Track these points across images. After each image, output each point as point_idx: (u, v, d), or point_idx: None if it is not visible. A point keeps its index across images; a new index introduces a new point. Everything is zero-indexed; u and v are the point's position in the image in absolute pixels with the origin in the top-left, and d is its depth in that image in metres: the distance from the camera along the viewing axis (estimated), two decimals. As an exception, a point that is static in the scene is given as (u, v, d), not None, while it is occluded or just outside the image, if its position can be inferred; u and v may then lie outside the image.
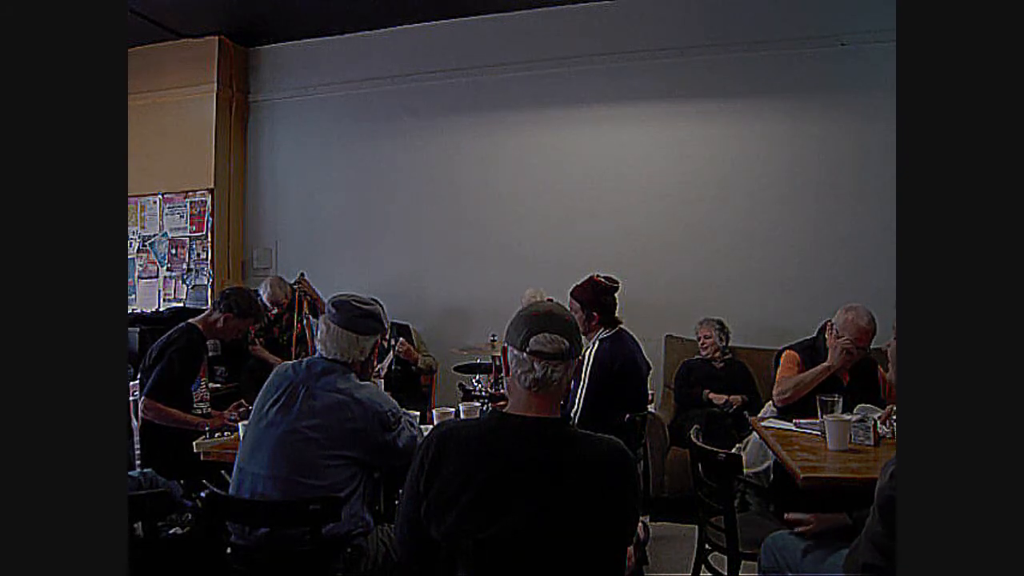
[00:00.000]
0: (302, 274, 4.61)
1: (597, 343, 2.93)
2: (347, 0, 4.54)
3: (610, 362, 2.86)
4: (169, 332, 3.03)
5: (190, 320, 3.08)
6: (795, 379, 2.76)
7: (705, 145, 4.43)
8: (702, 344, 4.05)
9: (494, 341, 3.35)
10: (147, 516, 1.98)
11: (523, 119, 4.72)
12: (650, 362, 3.17)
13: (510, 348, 1.42)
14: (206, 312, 3.13)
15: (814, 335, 2.98)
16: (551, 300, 1.76)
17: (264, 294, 4.34)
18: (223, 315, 3.03)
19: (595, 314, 2.95)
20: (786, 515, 2.08)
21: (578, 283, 3.05)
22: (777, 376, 2.88)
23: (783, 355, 2.94)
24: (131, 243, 5.23)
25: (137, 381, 3.05)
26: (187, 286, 5.14)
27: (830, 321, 2.83)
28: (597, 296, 2.96)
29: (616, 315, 3.02)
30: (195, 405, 2.98)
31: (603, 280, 3.00)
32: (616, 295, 3.02)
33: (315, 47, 5.12)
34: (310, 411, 1.94)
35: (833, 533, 1.97)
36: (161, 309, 5.04)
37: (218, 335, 3.14)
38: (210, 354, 3.22)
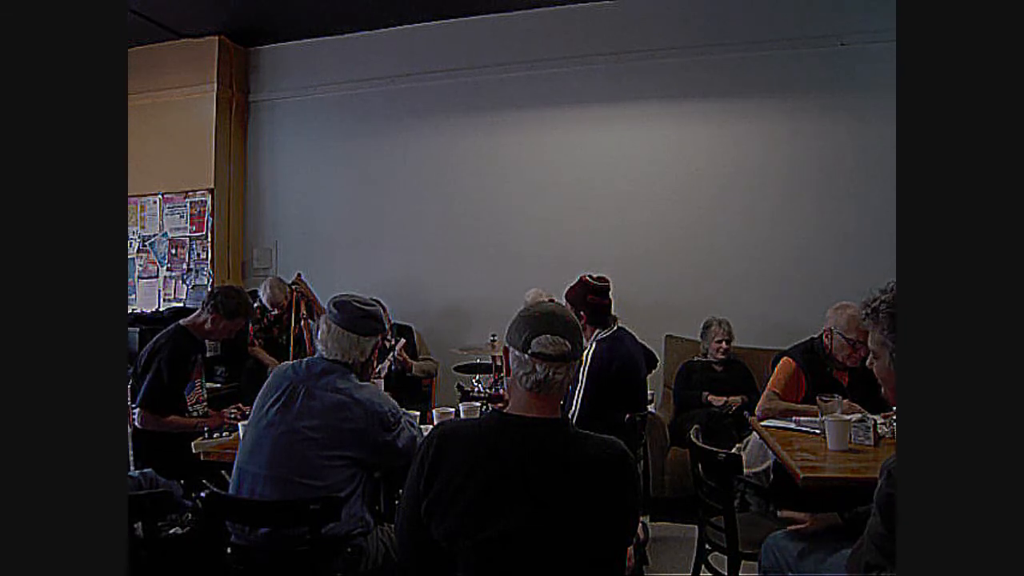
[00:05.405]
0: (299, 275, 4.61)
1: (594, 344, 2.90)
2: (347, 0, 4.55)
3: (608, 363, 2.84)
4: (156, 336, 2.95)
5: (180, 321, 3.00)
6: (785, 406, 2.73)
7: (705, 145, 4.43)
8: (715, 348, 4.00)
9: (494, 341, 3.34)
10: (147, 516, 1.98)
11: (523, 119, 4.72)
12: (656, 354, 3.11)
13: (511, 349, 1.41)
14: (195, 313, 3.04)
15: (811, 336, 2.97)
16: (552, 300, 1.75)
17: (264, 296, 4.34)
18: (211, 316, 2.94)
19: (583, 314, 2.91)
20: (780, 512, 2.08)
21: (570, 285, 3.04)
22: (770, 382, 2.87)
23: (780, 361, 2.92)
24: (131, 243, 5.23)
25: (129, 387, 2.95)
26: (187, 286, 5.14)
27: (829, 327, 2.82)
28: (587, 296, 2.95)
29: (611, 314, 3.00)
30: (191, 408, 2.94)
31: (592, 280, 2.98)
32: (608, 294, 3.00)
33: (315, 47, 5.12)
34: (310, 411, 1.94)
35: (830, 534, 1.96)
36: (161, 309, 5.04)
37: (208, 336, 3.04)
38: (209, 354, 3.18)
